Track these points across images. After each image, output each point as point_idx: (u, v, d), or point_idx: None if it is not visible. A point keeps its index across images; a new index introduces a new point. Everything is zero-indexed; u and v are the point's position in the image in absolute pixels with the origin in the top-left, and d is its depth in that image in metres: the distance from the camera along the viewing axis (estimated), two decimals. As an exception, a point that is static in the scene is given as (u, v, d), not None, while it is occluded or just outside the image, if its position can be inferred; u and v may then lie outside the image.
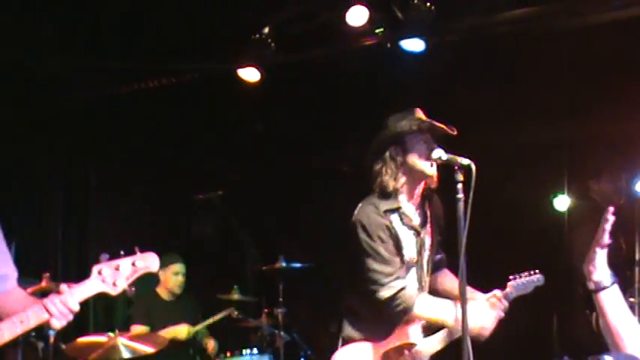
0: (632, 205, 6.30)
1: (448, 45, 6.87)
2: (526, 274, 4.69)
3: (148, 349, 6.32)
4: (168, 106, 8.12)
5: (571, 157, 7.43)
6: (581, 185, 6.96)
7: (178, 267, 7.36)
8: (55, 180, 8.29)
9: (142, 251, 3.46)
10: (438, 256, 4.84)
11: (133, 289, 3.41)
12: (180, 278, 7.39)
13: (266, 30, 6.82)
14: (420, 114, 4.61)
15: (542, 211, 7.52)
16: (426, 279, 4.66)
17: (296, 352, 7.13)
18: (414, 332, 4.58)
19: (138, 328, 7.04)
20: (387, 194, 4.55)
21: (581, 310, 6.35)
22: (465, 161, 4.17)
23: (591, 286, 3.17)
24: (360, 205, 4.61)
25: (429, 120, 4.56)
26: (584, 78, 6.93)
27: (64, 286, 3.41)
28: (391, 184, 4.53)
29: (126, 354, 6.16)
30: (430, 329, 4.65)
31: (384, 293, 4.45)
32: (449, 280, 4.86)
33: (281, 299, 6.94)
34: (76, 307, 3.37)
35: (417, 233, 4.60)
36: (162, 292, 7.44)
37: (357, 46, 6.90)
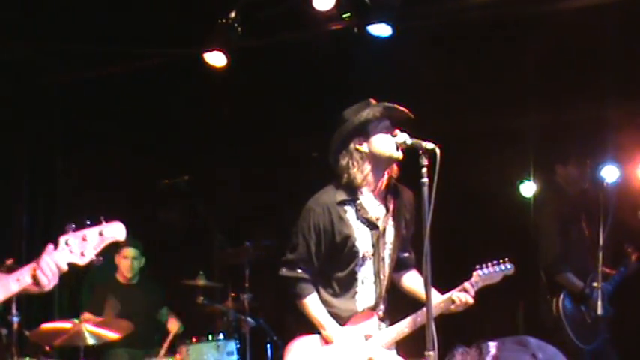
0: (596, 190, 6.33)
1: (415, 30, 6.87)
2: (494, 262, 4.73)
3: (113, 335, 6.30)
4: (135, 91, 8.06)
5: (537, 144, 7.45)
6: (546, 169, 6.99)
7: (128, 251, 7.29)
8: (20, 166, 8.21)
9: (107, 220, 3.44)
10: (405, 254, 4.86)
11: (101, 258, 3.39)
12: (129, 262, 7.33)
13: (232, 14, 6.77)
14: (375, 103, 4.64)
15: (509, 198, 7.54)
16: (386, 272, 4.67)
17: (262, 337, 7.13)
18: (371, 322, 4.63)
19: (87, 316, 6.90)
20: (349, 186, 4.59)
21: (544, 294, 6.39)
22: (430, 146, 4.19)
23: None
24: (318, 192, 4.67)
25: (390, 104, 4.58)
26: (552, 65, 6.95)
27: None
28: (359, 177, 4.57)
29: (91, 340, 6.17)
30: (390, 318, 4.72)
31: (284, 271, 4.65)
32: (415, 281, 4.88)
33: (247, 285, 6.94)
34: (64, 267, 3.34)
35: (374, 226, 4.63)
36: (120, 277, 7.40)
37: (324, 31, 6.89)
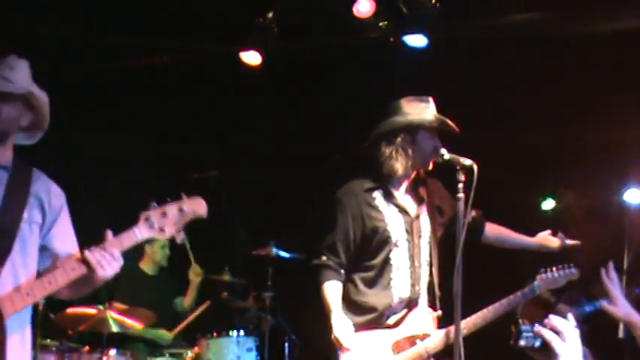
0: (621, 214, 6.36)
1: (450, 42, 6.92)
2: (558, 267, 4.84)
3: (137, 324, 6.36)
4: (168, 84, 8.11)
5: (562, 161, 7.49)
6: (566, 192, 7.04)
7: (165, 240, 7.38)
8: (44, 152, 8.22)
9: (188, 196, 3.46)
10: (471, 215, 4.54)
11: (183, 235, 3.41)
12: (167, 251, 7.47)
13: (270, 15, 6.83)
14: (434, 107, 4.69)
15: (531, 213, 7.59)
16: (421, 260, 4.68)
17: (281, 336, 7.17)
18: (426, 323, 4.65)
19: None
20: (383, 175, 4.66)
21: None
22: (467, 162, 4.27)
23: None
24: (346, 183, 4.76)
25: (444, 118, 4.66)
26: (577, 85, 6.98)
27: (108, 233, 3.40)
28: (397, 169, 4.64)
29: (115, 328, 6.18)
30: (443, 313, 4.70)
31: (314, 260, 4.69)
32: (497, 229, 5.04)
33: (270, 283, 7.00)
34: (117, 254, 3.34)
35: (405, 213, 4.68)
36: (146, 266, 7.48)
37: (359, 38, 6.95)
